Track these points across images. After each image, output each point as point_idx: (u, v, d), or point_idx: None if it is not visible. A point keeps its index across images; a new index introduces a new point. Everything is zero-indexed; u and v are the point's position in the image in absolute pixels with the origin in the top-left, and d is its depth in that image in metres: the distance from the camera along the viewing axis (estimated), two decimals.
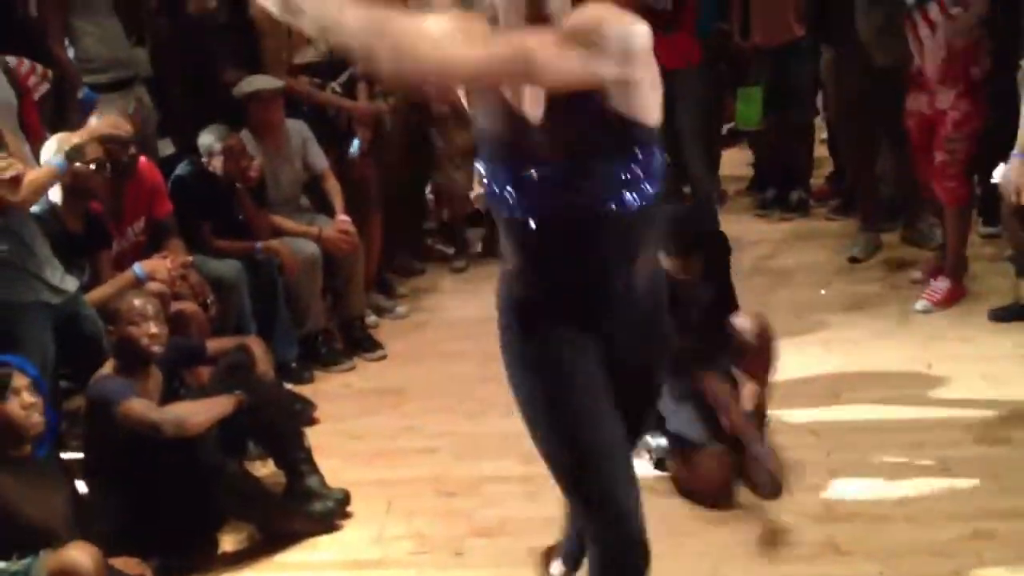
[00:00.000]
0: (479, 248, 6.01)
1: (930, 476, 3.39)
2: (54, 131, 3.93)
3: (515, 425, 2.24)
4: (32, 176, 3.38)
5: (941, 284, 4.70)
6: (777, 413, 3.63)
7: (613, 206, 1.97)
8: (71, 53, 4.70)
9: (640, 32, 1.88)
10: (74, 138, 3.58)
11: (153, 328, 3.26)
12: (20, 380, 2.91)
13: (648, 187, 1.99)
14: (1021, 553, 2.96)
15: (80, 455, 3.39)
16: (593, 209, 1.98)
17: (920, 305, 4.66)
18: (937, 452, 3.50)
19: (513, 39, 1.88)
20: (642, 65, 1.90)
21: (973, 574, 2.90)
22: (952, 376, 4.00)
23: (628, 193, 1.97)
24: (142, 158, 4.21)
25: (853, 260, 5.31)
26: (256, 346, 3.69)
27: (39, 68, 4.29)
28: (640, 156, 1.97)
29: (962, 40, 4.44)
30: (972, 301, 4.67)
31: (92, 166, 3.70)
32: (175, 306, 3.83)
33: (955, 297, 4.68)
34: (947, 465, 3.43)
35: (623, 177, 1.96)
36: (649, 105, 1.95)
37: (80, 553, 2.62)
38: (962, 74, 4.50)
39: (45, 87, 4.30)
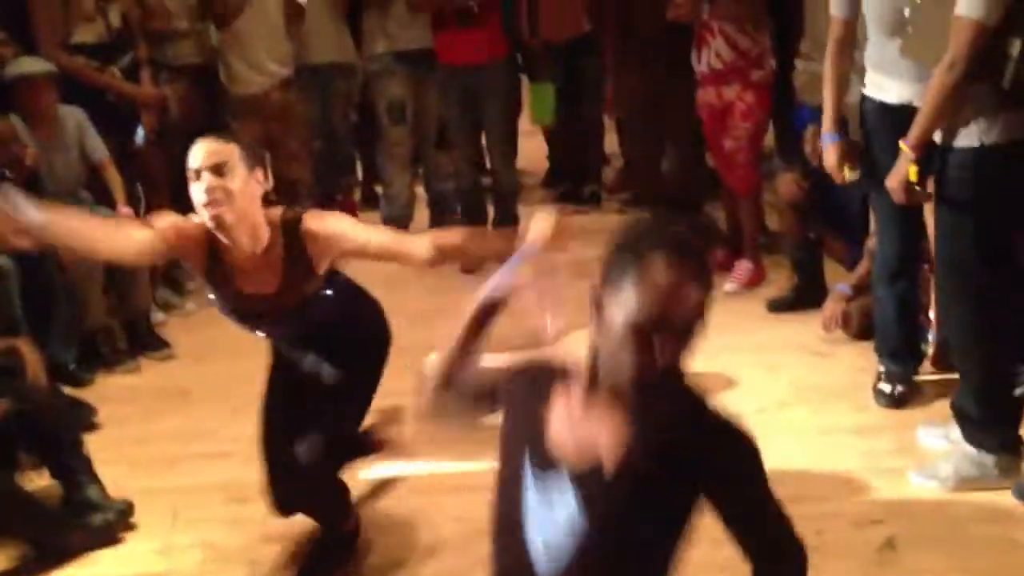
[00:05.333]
0: None
1: None
2: None
3: None
4: None
5: (746, 265, 4.99)
6: None
7: None
8: None
9: None
10: None
11: None
12: None
13: None
14: None
15: None
16: None
17: (729, 287, 4.90)
18: None
19: None
20: None
21: None
22: (733, 366, 4.17)
23: None
24: None
25: None
26: (26, 348, 3.48)
27: None
28: None
29: (745, 46, 4.71)
30: (751, 294, 4.90)
31: None
32: None
33: (759, 278, 4.99)
34: None
35: None
36: None
37: None
38: (747, 74, 4.76)
39: None
